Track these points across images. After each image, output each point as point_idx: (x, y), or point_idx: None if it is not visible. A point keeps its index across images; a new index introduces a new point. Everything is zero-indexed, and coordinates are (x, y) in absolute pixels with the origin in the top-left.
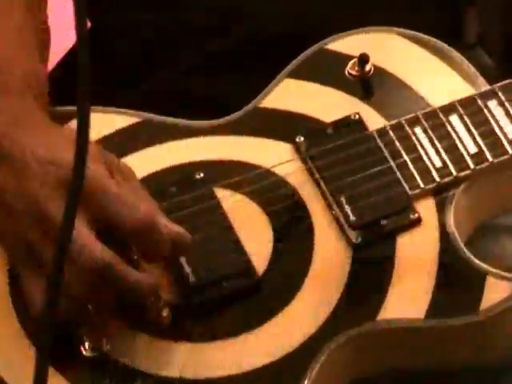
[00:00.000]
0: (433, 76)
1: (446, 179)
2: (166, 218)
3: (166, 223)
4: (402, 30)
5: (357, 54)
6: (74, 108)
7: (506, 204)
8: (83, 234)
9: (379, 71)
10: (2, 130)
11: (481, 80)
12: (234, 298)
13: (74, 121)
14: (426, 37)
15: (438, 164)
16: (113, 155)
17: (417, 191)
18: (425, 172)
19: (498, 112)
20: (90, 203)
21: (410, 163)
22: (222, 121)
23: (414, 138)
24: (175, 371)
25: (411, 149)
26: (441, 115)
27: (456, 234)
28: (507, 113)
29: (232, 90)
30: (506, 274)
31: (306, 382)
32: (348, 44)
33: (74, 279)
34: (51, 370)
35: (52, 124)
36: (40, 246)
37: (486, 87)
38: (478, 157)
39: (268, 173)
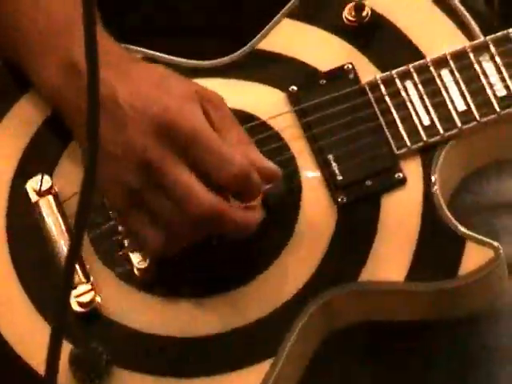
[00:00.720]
0: (431, 26)
1: (434, 138)
2: (258, 152)
3: (260, 160)
4: None
5: None
6: None
7: (494, 157)
8: (185, 178)
9: (377, 18)
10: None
11: (476, 29)
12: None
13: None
14: None
15: (427, 122)
16: (203, 88)
17: (403, 150)
18: (413, 131)
19: (489, 68)
20: (186, 149)
21: (398, 121)
22: (218, 62)
23: (404, 93)
24: (163, 329)
25: (401, 105)
26: (432, 69)
27: (440, 196)
28: (498, 69)
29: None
30: (486, 239)
31: (293, 334)
32: None
33: (177, 221)
34: (41, 322)
35: (140, 66)
36: (142, 192)
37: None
38: (466, 115)
39: (263, 125)
